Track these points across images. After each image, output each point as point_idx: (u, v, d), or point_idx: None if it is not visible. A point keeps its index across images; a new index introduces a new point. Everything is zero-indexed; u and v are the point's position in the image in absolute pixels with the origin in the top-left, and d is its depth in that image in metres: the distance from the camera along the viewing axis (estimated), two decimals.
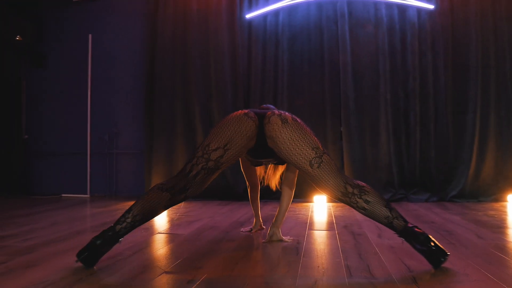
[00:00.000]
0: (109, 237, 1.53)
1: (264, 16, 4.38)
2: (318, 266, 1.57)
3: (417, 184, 4.06)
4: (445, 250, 1.53)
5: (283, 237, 2.10)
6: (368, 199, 1.61)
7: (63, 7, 4.88)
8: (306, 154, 1.71)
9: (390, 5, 4.18)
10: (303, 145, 1.72)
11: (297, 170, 2.03)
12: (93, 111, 4.75)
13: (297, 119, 1.82)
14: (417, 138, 4.07)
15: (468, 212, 3.16)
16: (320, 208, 3.62)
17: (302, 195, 4.10)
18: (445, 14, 4.10)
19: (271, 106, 2.19)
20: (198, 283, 1.33)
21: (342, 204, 2.02)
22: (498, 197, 3.88)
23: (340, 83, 4.19)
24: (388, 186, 4.07)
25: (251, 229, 2.38)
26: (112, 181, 4.70)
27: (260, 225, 2.41)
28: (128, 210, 1.59)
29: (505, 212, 3.20)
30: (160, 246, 2.04)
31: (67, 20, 4.89)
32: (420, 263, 1.56)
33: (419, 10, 4.14)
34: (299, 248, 1.93)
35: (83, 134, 4.75)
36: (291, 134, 1.74)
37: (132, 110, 4.72)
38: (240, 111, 1.88)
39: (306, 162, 1.71)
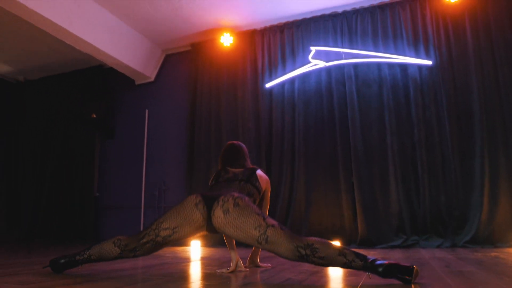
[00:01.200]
0: (71, 261, 2.09)
1: (282, 84, 5.06)
2: None
3: (428, 230, 4.13)
4: (408, 267, 1.68)
5: (261, 264, 2.44)
6: (321, 255, 1.72)
7: (127, 89, 6.11)
8: (251, 235, 1.85)
9: (392, 65, 4.60)
10: (247, 229, 1.86)
11: (266, 203, 2.45)
12: (147, 172, 5.70)
13: (239, 201, 1.94)
14: (426, 185, 4.22)
15: (476, 255, 3.23)
16: None
17: None
18: (444, 68, 4.39)
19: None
20: None
21: None
22: None
23: (350, 138, 4.58)
24: (399, 232, 4.21)
25: (227, 269, 2.24)
26: None
27: (238, 262, 2.27)
28: (88, 248, 2.08)
29: None
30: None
31: (131, 99, 6.09)
32: None
33: (419, 67, 4.48)
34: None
35: (139, 191, 5.67)
36: (234, 222, 1.89)
37: (177, 170, 5.55)
38: (194, 197, 2.05)
39: (254, 241, 1.86)
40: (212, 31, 5.42)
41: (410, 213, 4.25)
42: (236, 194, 2.00)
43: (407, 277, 1.67)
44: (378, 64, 4.65)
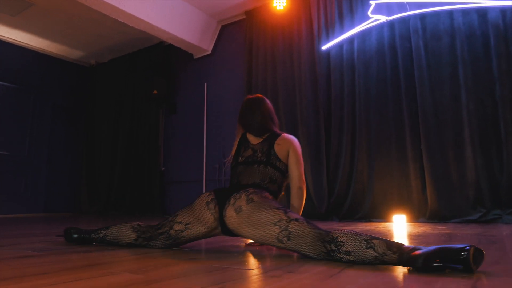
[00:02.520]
0: (84, 238, 1.98)
1: (340, 44, 4.64)
2: None
3: None
4: (461, 249, 1.20)
5: None
6: (347, 249, 1.38)
7: (186, 62, 6.13)
8: (271, 232, 1.58)
9: (467, 11, 3.93)
10: (265, 225, 1.60)
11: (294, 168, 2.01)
12: (207, 146, 5.70)
13: (253, 197, 1.69)
14: (510, 150, 3.58)
15: None
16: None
17: (379, 215, 4.04)
18: None
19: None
20: None
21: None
22: None
23: (417, 99, 4.06)
24: (477, 205, 3.65)
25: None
26: None
27: None
28: (105, 228, 1.94)
29: None
30: None
31: (190, 73, 6.10)
32: None
33: (502, 10, 3.77)
34: None
35: (201, 165, 5.71)
36: (249, 220, 1.64)
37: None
38: (206, 195, 1.82)
39: (274, 240, 1.58)
40: None
41: (490, 183, 3.66)
42: (250, 190, 1.74)
43: (460, 265, 1.19)
44: (450, 12, 4.02)
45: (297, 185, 2.01)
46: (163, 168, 6.12)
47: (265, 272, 1.30)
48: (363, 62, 4.46)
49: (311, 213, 4.44)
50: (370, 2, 4.38)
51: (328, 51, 4.72)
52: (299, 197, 2.01)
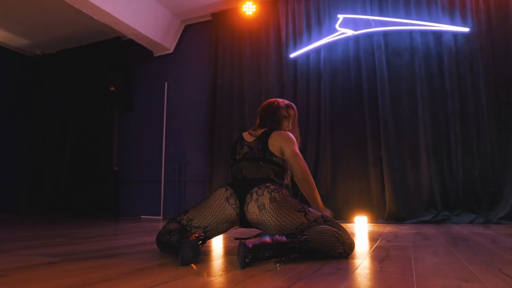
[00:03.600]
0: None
1: (307, 54, 4.86)
2: None
3: (461, 206, 3.98)
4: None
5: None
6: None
7: (146, 61, 5.97)
8: (296, 219, 1.69)
9: (425, 33, 4.36)
10: (286, 227, 1.70)
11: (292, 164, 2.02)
12: (167, 146, 5.60)
13: (276, 196, 1.75)
14: (459, 159, 4.04)
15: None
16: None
17: (341, 217, 4.30)
18: (483, 35, 4.14)
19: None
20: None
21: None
22: None
23: (379, 110, 4.40)
24: (430, 207, 4.07)
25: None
26: (181, 204, 5.40)
27: None
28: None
29: None
30: None
31: (149, 71, 5.95)
32: None
33: (454, 34, 4.24)
34: None
35: (159, 165, 5.59)
36: (273, 216, 1.71)
37: (198, 144, 5.44)
38: (223, 190, 1.84)
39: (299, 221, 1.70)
40: (233, 0, 5.21)
41: (441, 187, 4.09)
42: (272, 186, 1.79)
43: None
44: (410, 32, 4.42)
45: (298, 178, 2.02)
46: (116, 168, 5.87)
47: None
48: (329, 72, 4.72)
49: None
50: (338, 16, 4.66)
51: (295, 59, 4.92)
52: (305, 188, 2.02)
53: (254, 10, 5.10)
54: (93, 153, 5.91)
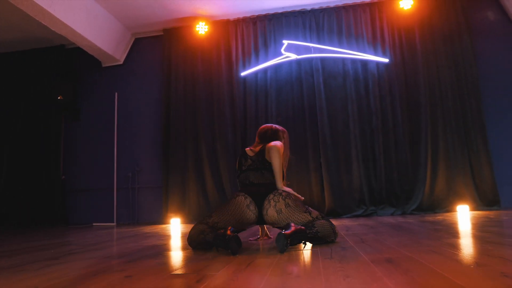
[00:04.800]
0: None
1: (256, 73, 5.50)
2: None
3: (384, 201, 4.97)
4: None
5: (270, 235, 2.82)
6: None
7: (95, 70, 6.07)
8: (304, 218, 2.28)
9: (354, 61, 5.29)
10: (299, 217, 2.28)
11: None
12: (119, 153, 5.80)
13: (289, 202, 2.31)
14: (382, 165, 5.03)
15: (420, 219, 4.06)
16: None
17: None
18: (398, 66, 5.19)
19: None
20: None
21: None
22: (449, 209, 4.77)
23: (318, 124, 5.22)
24: (361, 204, 4.99)
25: (258, 238, 2.75)
26: (134, 211, 5.65)
27: (267, 234, 2.78)
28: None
29: (450, 217, 4.09)
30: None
31: (98, 81, 6.06)
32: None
33: (377, 63, 5.23)
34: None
35: (111, 173, 5.76)
36: (288, 218, 2.27)
37: (152, 152, 5.75)
38: (243, 199, 2.35)
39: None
40: (186, 19, 5.64)
41: (369, 188, 5.04)
42: (284, 193, 2.35)
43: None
44: (343, 59, 5.31)
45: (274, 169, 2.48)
46: (63, 176, 5.88)
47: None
48: (275, 90, 5.42)
49: None
50: (283, 41, 5.39)
51: (244, 77, 5.52)
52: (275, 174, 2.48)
53: (206, 30, 5.59)
54: (39, 162, 5.83)
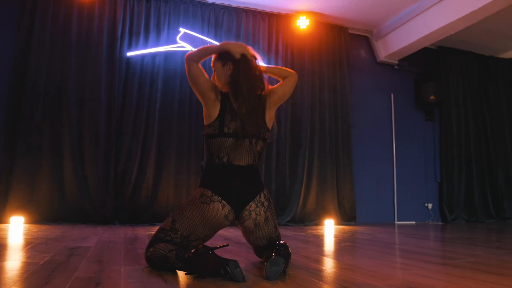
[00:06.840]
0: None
1: (142, 57, 4.85)
2: None
3: None
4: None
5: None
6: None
7: None
8: (262, 243, 1.98)
9: None
10: (264, 237, 1.98)
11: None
12: None
13: (269, 215, 1.95)
14: (262, 174, 5.05)
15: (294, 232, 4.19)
16: None
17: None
18: None
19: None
20: None
21: None
22: (318, 222, 5.12)
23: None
24: None
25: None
26: None
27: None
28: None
29: (316, 230, 4.35)
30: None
31: None
32: None
33: None
34: None
35: None
36: (262, 231, 1.96)
37: None
38: (220, 207, 1.84)
39: (265, 241, 1.99)
40: None
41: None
42: (266, 203, 1.96)
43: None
44: None
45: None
46: None
47: None
48: (162, 79, 4.86)
49: (94, 217, 4.37)
50: (180, 29, 4.91)
51: (128, 58, 4.80)
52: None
53: None
54: None
